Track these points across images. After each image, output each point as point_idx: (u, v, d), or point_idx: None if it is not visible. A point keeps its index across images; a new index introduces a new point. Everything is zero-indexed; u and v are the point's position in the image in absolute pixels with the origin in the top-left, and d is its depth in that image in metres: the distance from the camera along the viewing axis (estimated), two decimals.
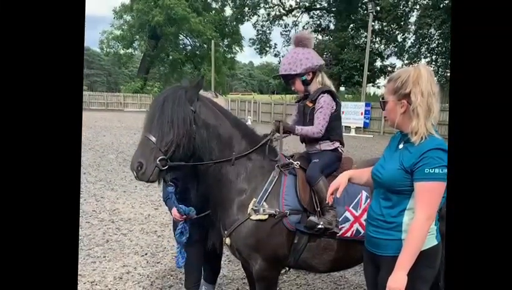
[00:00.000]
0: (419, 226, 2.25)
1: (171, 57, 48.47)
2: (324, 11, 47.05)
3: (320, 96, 3.35)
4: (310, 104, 3.40)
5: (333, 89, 3.48)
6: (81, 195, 8.55)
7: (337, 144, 3.43)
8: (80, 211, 7.35)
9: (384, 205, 2.45)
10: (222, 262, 5.41)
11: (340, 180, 2.69)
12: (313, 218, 3.02)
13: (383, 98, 2.49)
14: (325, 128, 3.30)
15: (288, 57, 3.44)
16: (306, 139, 3.47)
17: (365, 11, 39.42)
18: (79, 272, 4.94)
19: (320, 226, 2.99)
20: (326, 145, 3.38)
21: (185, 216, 3.27)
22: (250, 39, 49.01)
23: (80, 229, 6.49)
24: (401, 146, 2.44)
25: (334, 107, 3.39)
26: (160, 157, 2.80)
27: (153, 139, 2.81)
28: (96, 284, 4.69)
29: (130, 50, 52.04)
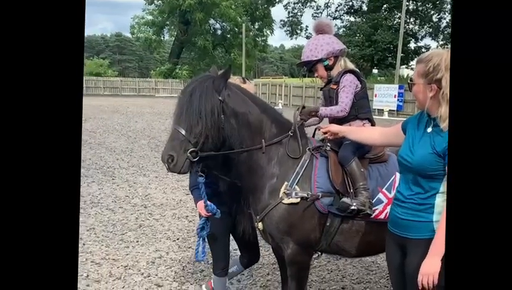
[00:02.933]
0: None
1: (200, 43, 48.41)
2: None
3: (342, 76, 3.31)
4: (334, 87, 3.36)
5: (356, 70, 3.44)
6: (114, 181, 8.73)
7: (367, 123, 3.37)
8: (113, 196, 7.54)
9: (415, 190, 2.39)
10: None
11: (332, 127, 3.09)
12: (345, 199, 2.98)
13: (411, 80, 2.42)
14: (350, 106, 3.26)
15: (309, 44, 3.44)
16: (335, 121, 3.42)
17: None
18: (113, 257, 5.04)
19: (353, 207, 2.95)
20: (356, 125, 3.32)
21: (210, 213, 3.28)
22: (280, 21, 48.63)
23: (113, 214, 6.63)
24: (429, 130, 2.37)
25: (359, 86, 3.34)
26: (190, 149, 2.83)
27: (182, 131, 2.84)
28: (129, 269, 4.78)
29: (160, 36, 52.36)
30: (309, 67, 3.47)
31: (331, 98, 3.40)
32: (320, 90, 3.66)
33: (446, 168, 2.23)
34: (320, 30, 3.45)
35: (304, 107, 3.39)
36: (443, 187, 2.29)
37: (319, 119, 3.42)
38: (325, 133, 3.12)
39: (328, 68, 3.39)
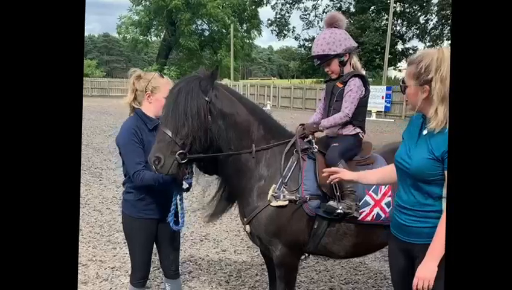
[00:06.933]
0: None
1: (184, 43, 48.02)
2: None
3: (351, 79, 3.25)
4: (340, 85, 3.30)
5: (364, 73, 3.38)
6: (101, 181, 8.66)
7: (358, 130, 3.34)
8: (101, 197, 7.47)
9: (416, 195, 2.33)
10: (241, 248, 5.42)
11: (345, 173, 2.77)
12: (332, 203, 2.98)
13: (403, 82, 2.38)
14: (353, 112, 3.21)
15: (325, 37, 3.28)
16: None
17: None
18: (100, 258, 5.00)
19: (339, 210, 2.95)
20: (348, 130, 3.30)
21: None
22: (267, 19, 48.42)
23: (100, 216, 6.57)
24: (425, 132, 2.30)
25: (364, 92, 3.30)
26: (179, 152, 2.79)
27: (169, 133, 2.79)
28: (116, 270, 4.74)
29: (147, 36, 51.99)
30: (324, 62, 3.32)
31: (333, 95, 3.34)
32: (325, 82, 3.58)
33: (445, 173, 2.18)
34: (333, 24, 3.33)
35: (303, 124, 3.29)
36: (445, 192, 2.23)
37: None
38: (331, 175, 2.84)
39: (343, 64, 3.31)
